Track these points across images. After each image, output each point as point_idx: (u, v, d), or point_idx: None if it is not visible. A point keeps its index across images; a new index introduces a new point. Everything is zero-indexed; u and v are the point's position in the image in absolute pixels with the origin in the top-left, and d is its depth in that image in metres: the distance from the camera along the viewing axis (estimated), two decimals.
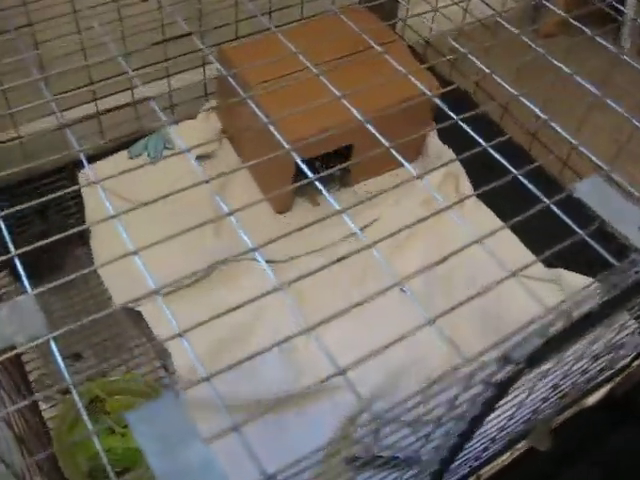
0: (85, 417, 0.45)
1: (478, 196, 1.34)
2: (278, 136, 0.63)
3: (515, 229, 1.29)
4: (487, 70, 0.70)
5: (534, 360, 0.55)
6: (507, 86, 0.68)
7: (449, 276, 1.22)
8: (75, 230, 0.99)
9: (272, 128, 0.63)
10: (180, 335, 0.50)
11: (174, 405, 0.44)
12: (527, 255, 1.26)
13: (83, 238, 1.26)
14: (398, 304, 1.16)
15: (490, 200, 1.33)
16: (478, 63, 0.71)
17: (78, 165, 1.34)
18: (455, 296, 1.20)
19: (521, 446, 1.08)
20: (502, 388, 0.59)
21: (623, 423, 1.22)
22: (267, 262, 1.26)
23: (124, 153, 1.34)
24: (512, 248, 1.27)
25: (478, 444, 0.85)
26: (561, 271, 1.22)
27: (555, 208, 0.59)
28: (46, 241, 0.54)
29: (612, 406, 1.20)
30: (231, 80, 0.66)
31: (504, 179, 0.62)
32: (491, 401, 0.61)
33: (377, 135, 0.62)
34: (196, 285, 1.22)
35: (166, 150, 1.34)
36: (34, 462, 0.74)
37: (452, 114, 0.66)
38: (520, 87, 0.70)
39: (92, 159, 1.34)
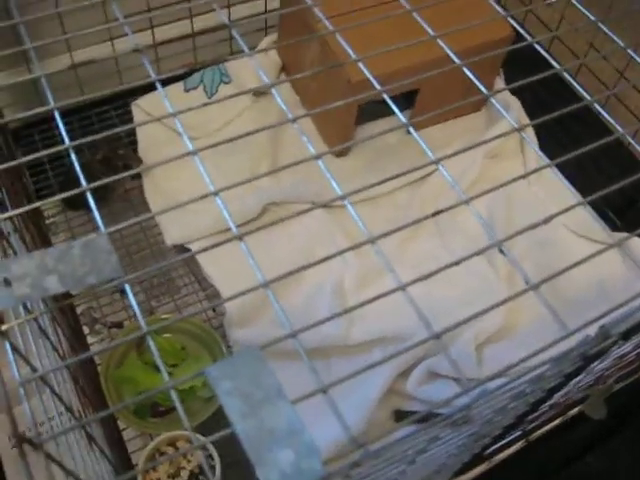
0: (159, 360, 0.42)
1: (543, 150, 1.29)
2: (366, 72, 0.58)
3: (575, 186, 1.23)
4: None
5: (630, 333, 0.51)
6: (588, 14, 0.62)
7: (510, 231, 1.18)
8: (137, 170, 0.96)
9: (362, 65, 0.58)
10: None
11: (259, 361, 0.41)
12: (590, 215, 1.21)
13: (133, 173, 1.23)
14: (453, 258, 1.13)
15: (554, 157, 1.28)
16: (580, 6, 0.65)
17: (131, 94, 1.31)
18: (517, 256, 1.16)
19: (572, 412, 1.05)
20: (590, 361, 0.55)
21: None
22: (323, 207, 1.23)
23: (180, 85, 1.30)
24: (575, 208, 1.22)
25: (538, 412, 0.83)
26: (628, 236, 1.17)
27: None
28: (110, 179, 0.50)
29: None
30: (316, 10, 0.61)
31: (585, 149, 0.57)
32: (574, 373, 0.58)
33: (471, 76, 0.57)
34: (246, 226, 1.18)
35: (222, 85, 1.30)
36: (88, 401, 0.73)
37: (555, 63, 0.61)
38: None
39: (145, 90, 1.30)
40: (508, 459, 1.04)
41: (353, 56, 0.61)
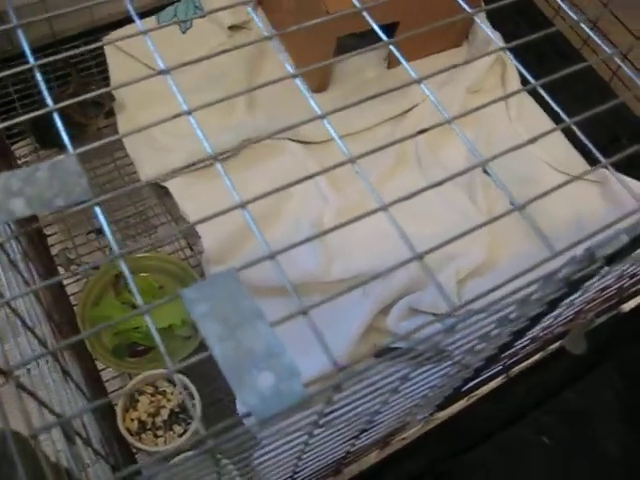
0: (135, 292, 0.40)
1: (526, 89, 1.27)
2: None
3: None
4: None
5: (614, 258, 0.50)
6: None
7: (490, 168, 1.17)
8: (102, 91, 0.93)
9: None
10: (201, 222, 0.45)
11: (234, 281, 0.39)
12: (571, 152, 1.20)
13: (105, 110, 1.19)
14: (439, 194, 1.12)
15: (535, 94, 1.26)
16: None
17: (102, 30, 1.27)
18: (495, 188, 1.15)
19: (553, 347, 1.06)
20: (574, 287, 0.55)
21: None
22: (299, 142, 1.21)
23: (152, 19, 1.26)
24: (555, 143, 1.21)
25: (521, 342, 0.82)
26: (607, 172, 1.16)
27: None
28: (74, 100, 0.48)
29: None
30: None
31: (556, 75, 0.55)
32: (558, 300, 0.57)
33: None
34: (225, 163, 1.16)
35: (197, 18, 1.26)
36: (62, 338, 0.71)
37: None
38: None
39: (117, 25, 1.26)
40: (487, 395, 1.05)
41: None
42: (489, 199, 1.10)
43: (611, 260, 0.51)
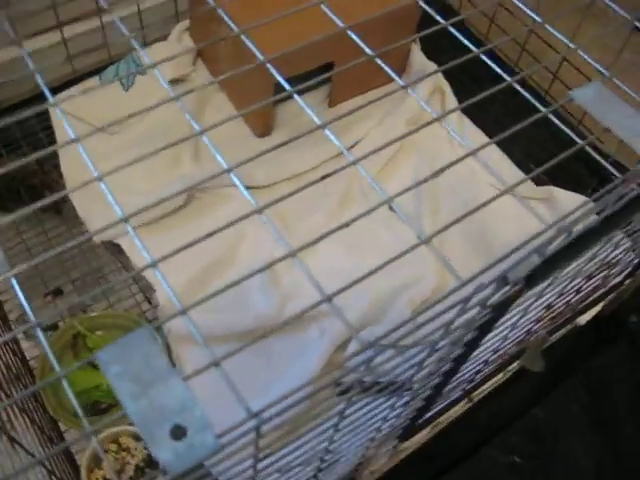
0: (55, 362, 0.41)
1: (465, 113, 1.30)
2: (253, 48, 0.58)
3: (501, 146, 1.25)
4: None
5: (533, 280, 0.52)
6: None
7: (437, 195, 1.19)
8: (46, 151, 0.93)
9: (245, 38, 0.58)
10: (154, 266, 0.46)
11: (148, 340, 0.40)
12: (516, 172, 1.23)
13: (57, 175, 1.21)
14: (387, 227, 1.13)
15: (476, 117, 1.29)
16: None
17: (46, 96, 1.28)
18: (444, 217, 1.17)
19: (513, 367, 1.07)
20: (499, 310, 0.56)
21: (610, 341, 1.22)
22: (247, 188, 1.22)
23: (95, 79, 1.28)
24: (500, 165, 1.24)
25: (471, 367, 0.83)
26: (552, 188, 1.19)
27: (553, 118, 0.55)
28: (17, 164, 0.49)
29: (601, 325, 1.19)
30: None
31: (490, 91, 0.57)
32: (487, 324, 0.58)
33: (360, 43, 0.57)
34: (175, 214, 1.17)
35: (138, 76, 1.28)
36: (14, 403, 0.71)
37: (440, 19, 0.61)
38: None
39: (61, 88, 1.28)
40: (454, 421, 1.06)
41: (235, 30, 0.61)
42: (437, 227, 1.11)
43: (530, 282, 0.52)
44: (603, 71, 0.57)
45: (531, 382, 1.15)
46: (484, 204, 0.52)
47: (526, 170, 1.21)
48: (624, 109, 0.52)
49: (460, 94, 1.28)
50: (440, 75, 1.30)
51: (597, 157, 0.54)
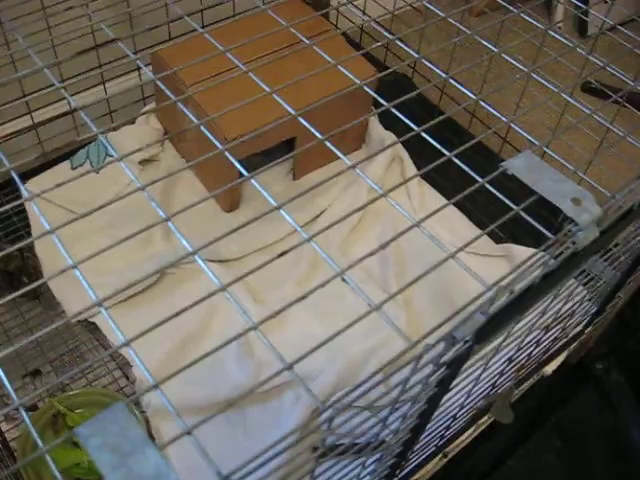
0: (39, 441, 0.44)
1: (425, 179, 1.36)
2: (211, 137, 0.62)
3: (461, 207, 1.31)
4: (416, 55, 0.71)
5: (481, 337, 0.56)
6: (438, 70, 0.69)
7: (403, 259, 1.23)
8: (26, 242, 0.97)
9: (204, 129, 0.63)
10: (128, 344, 0.50)
11: (124, 414, 0.43)
12: (475, 231, 1.28)
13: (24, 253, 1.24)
14: (354, 294, 1.17)
15: (435, 182, 1.35)
16: (407, 48, 0.71)
17: (20, 178, 1.32)
18: (409, 277, 1.22)
19: (484, 421, 1.10)
20: (454, 367, 0.60)
21: (578, 389, 1.26)
22: (219, 262, 1.26)
23: (66, 164, 1.33)
24: (459, 225, 1.29)
25: (440, 423, 0.87)
26: (510, 246, 1.24)
27: (490, 187, 0.60)
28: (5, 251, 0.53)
29: (568, 374, 1.23)
30: (160, 83, 0.66)
31: (440, 160, 0.63)
32: (446, 380, 0.62)
33: (309, 127, 0.62)
34: (148, 292, 1.21)
35: (108, 157, 1.33)
36: None
37: (383, 101, 0.66)
38: (457, 66, 0.71)
39: (33, 173, 1.32)
40: (430, 478, 1.08)
41: (202, 118, 0.66)
42: (403, 290, 1.16)
43: (478, 338, 0.57)
44: (535, 142, 0.63)
45: (504, 435, 1.18)
46: (443, 260, 0.56)
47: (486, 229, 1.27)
48: (553, 174, 0.57)
49: (417, 160, 1.34)
50: (399, 143, 1.37)
51: (533, 222, 0.58)
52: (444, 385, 0.64)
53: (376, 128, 1.37)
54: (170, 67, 1.22)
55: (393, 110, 0.65)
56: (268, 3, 1.51)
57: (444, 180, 1.32)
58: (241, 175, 1.24)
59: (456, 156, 0.63)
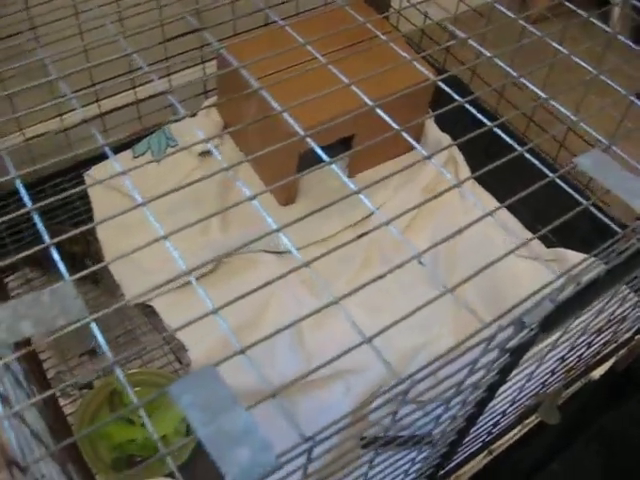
0: (131, 394, 0.47)
1: (478, 182, 1.37)
2: (293, 122, 0.65)
3: (514, 212, 1.32)
4: (488, 54, 0.73)
5: (547, 325, 0.58)
6: (508, 68, 0.71)
7: (454, 259, 1.25)
8: (88, 227, 1.01)
9: (287, 115, 0.65)
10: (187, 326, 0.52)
11: (213, 376, 0.46)
12: (527, 235, 1.29)
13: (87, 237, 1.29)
14: (405, 291, 1.19)
15: (489, 186, 1.36)
16: (479, 48, 0.73)
17: (83, 166, 1.37)
18: (460, 275, 1.23)
19: (530, 421, 1.11)
20: (517, 354, 0.62)
21: (624, 396, 1.26)
22: (274, 253, 1.29)
23: (128, 152, 1.37)
24: (512, 228, 1.30)
25: (490, 417, 0.88)
26: (562, 250, 1.25)
27: (560, 182, 0.62)
28: (71, 233, 0.56)
29: (615, 380, 1.23)
30: (244, 72, 0.69)
31: (511, 155, 0.64)
32: (507, 368, 0.64)
33: (386, 118, 0.65)
34: (204, 280, 1.24)
35: (169, 148, 1.37)
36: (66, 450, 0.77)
37: (457, 97, 0.68)
38: (516, 70, 0.73)
39: (96, 160, 1.36)
40: (473, 476, 1.09)
41: (278, 109, 0.68)
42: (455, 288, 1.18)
43: (544, 326, 0.58)
44: (602, 140, 0.64)
45: (548, 437, 1.19)
46: (495, 261, 0.58)
47: (535, 233, 1.28)
48: (622, 172, 0.59)
49: (471, 163, 1.36)
50: (454, 146, 1.39)
51: (601, 216, 0.60)
52: (504, 373, 0.66)
53: (432, 129, 1.39)
54: (239, 61, 1.25)
55: (467, 106, 0.67)
56: (329, 4, 1.54)
57: (497, 183, 1.33)
58: (298, 170, 1.28)
59: (511, 160, 0.64)
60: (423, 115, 1.38)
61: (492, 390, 0.68)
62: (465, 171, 1.36)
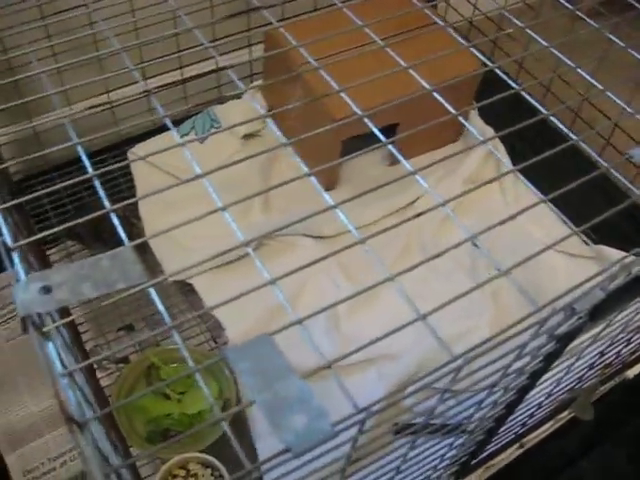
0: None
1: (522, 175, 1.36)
2: (352, 104, 0.65)
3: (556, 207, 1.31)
4: (545, 43, 0.72)
5: (596, 313, 0.58)
6: (566, 59, 0.71)
7: (492, 250, 1.25)
8: (132, 200, 1.03)
9: (345, 96, 0.66)
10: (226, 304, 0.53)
11: (269, 344, 0.47)
12: (567, 231, 1.29)
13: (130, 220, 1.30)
14: (446, 279, 1.20)
15: (532, 180, 1.35)
16: (538, 38, 0.73)
17: (126, 144, 1.38)
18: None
19: (563, 416, 1.11)
20: (564, 342, 0.62)
21: None
22: (315, 237, 1.29)
23: (173, 131, 1.37)
24: (552, 224, 1.30)
25: (526, 408, 0.88)
26: (602, 247, 1.25)
27: (614, 172, 0.62)
28: (118, 205, 0.58)
29: None
30: (303, 51, 0.69)
31: (562, 145, 0.64)
32: (552, 356, 0.64)
33: (443, 102, 0.65)
34: (243, 260, 1.25)
35: (213, 129, 1.38)
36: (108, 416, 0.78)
37: (514, 84, 0.68)
38: (562, 65, 0.73)
39: (140, 138, 1.38)
40: (503, 468, 1.10)
41: (335, 88, 0.69)
42: (493, 281, 1.18)
43: (593, 315, 0.58)
44: None
45: (579, 434, 1.19)
46: (533, 256, 0.58)
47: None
48: None
49: (513, 157, 1.35)
50: (496, 138, 1.38)
51: None
52: (549, 361, 0.66)
53: (475, 121, 1.39)
54: (282, 46, 1.26)
55: (523, 93, 0.67)
56: None
57: (539, 178, 1.33)
58: (342, 154, 1.28)
59: (553, 156, 0.64)
60: (467, 106, 1.38)
61: (534, 378, 0.69)
62: (507, 164, 1.35)
